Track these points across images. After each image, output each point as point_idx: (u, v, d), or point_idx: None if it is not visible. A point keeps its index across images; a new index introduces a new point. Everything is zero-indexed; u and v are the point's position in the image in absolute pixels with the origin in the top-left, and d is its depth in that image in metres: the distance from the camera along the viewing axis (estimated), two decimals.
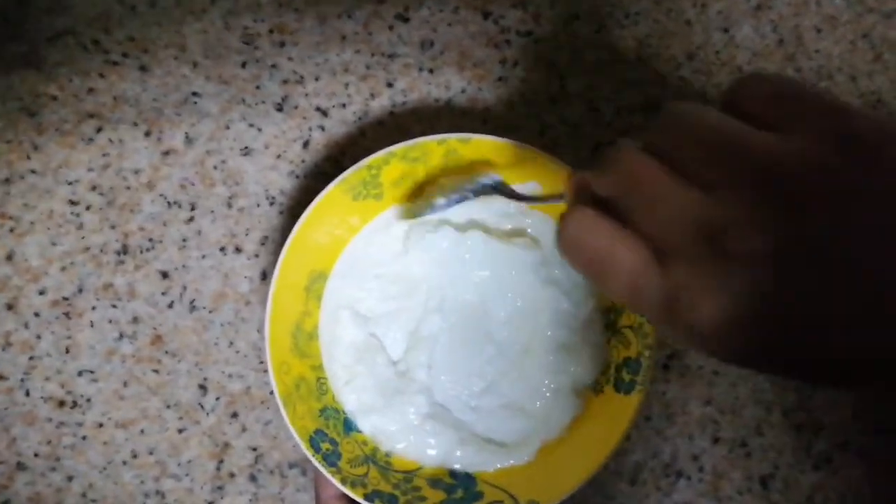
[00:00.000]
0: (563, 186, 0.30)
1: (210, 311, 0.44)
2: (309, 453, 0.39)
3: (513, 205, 0.43)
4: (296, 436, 0.39)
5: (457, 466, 0.42)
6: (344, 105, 0.45)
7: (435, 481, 0.41)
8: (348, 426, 0.42)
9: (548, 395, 0.42)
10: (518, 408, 0.42)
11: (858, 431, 0.44)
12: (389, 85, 0.45)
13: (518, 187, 0.42)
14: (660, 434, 0.44)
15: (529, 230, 0.43)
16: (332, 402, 0.42)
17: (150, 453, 0.43)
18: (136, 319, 0.44)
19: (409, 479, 0.41)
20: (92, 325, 0.44)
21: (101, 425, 0.43)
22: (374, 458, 0.41)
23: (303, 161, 0.45)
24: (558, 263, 0.43)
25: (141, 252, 0.44)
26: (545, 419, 0.42)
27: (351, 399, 0.42)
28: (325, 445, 0.40)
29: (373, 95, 0.45)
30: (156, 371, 0.44)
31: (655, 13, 0.46)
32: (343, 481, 0.39)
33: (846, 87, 0.46)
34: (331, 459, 0.40)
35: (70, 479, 0.43)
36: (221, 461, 0.43)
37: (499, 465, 0.42)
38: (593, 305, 0.43)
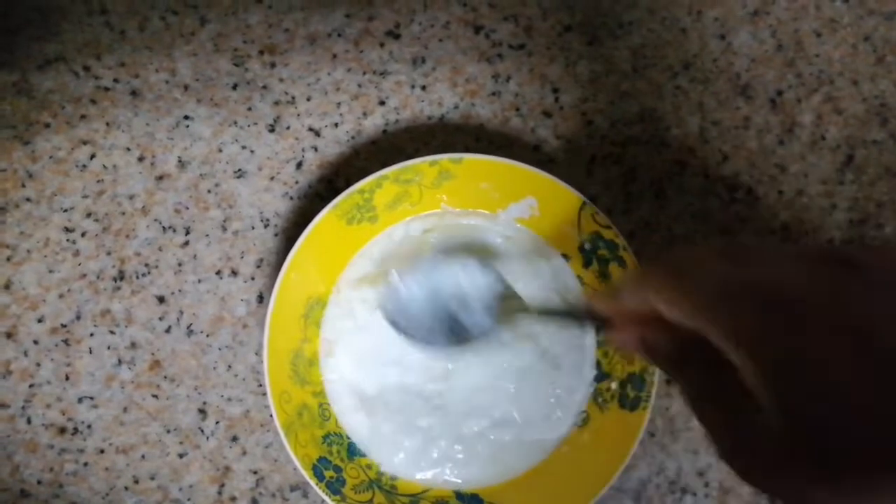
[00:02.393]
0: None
1: (207, 336, 0.44)
2: (312, 482, 0.39)
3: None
4: (299, 465, 0.39)
5: (460, 484, 0.42)
6: (336, 124, 0.45)
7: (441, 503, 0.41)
8: (352, 451, 0.41)
9: (551, 411, 0.42)
10: (521, 424, 0.42)
11: None
12: (382, 103, 0.45)
13: (514, 206, 0.42)
14: (664, 450, 0.44)
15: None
16: (335, 427, 0.41)
17: (152, 478, 0.43)
18: (134, 345, 0.44)
19: (414, 503, 0.41)
20: (91, 352, 0.44)
21: (102, 451, 0.43)
22: (379, 483, 0.41)
23: (296, 182, 0.44)
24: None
25: (137, 277, 0.44)
26: (550, 435, 0.42)
27: (355, 425, 0.42)
28: (328, 473, 0.40)
29: (365, 114, 0.45)
30: (155, 396, 0.44)
31: (649, 22, 0.45)
32: None
33: (848, 92, 0.45)
34: (335, 487, 0.39)
35: None
36: (223, 485, 0.43)
37: (502, 482, 0.42)
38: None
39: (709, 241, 0.44)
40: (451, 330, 0.39)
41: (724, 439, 0.23)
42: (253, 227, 0.44)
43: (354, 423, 0.42)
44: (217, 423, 0.43)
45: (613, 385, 0.42)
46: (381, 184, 0.40)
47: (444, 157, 0.40)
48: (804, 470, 0.19)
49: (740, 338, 0.21)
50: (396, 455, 0.42)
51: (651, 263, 0.26)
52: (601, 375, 0.42)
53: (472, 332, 0.39)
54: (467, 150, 0.45)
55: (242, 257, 0.44)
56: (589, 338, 0.42)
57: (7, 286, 0.44)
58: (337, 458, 0.41)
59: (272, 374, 0.39)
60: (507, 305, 0.39)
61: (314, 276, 0.41)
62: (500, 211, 0.42)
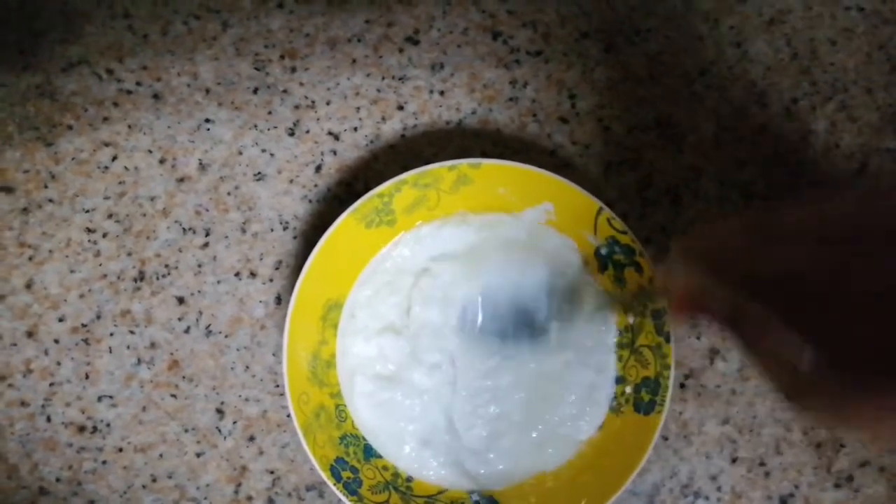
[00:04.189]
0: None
1: (226, 336, 0.44)
2: (330, 483, 0.39)
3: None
4: (317, 466, 0.39)
5: (477, 488, 0.42)
6: (355, 129, 0.45)
7: None
8: (368, 452, 0.42)
9: (568, 414, 0.42)
10: (537, 427, 0.43)
11: (880, 449, 0.44)
12: (400, 108, 0.45)
13: (531, 210, 0.42)
14: (677, 454, 0.44)
15: None
16: (351, 428, 0.42)
17: (170, 477, 0.44)
18: (153, 345, 0.44)
19: None
20: (111, 351, 0.44)
21: (120, 450, 0.44)
22: (395, 484, 0.41)
23: (315, 185, 0.45)
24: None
25: (157, 278, 0.44)
26: (565, 439, 0.42)
27: (370, 424, 0.42)
28: (345, 474, 0.40)
29: (384, 118, 0.45)
30: (174, 396, 0.44)
31: (666, 29, 0.46)
32: None
33: (862, 101, 0.46)
34: (352, 487, 0.40)
35: (91, 503, 0.44)
36: (239, 484, 0.44)
37: (519, 483, 0.42)
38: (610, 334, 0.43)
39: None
40: (526, 324, 0.42)
41: (780, 381, 0.26)
42: (272, 230, 0.45)
43: (372, 423, 0.42)
44: (234, 423, 0.44)
45: (628, 389, 0.42)
46: (399, 188, 0.41)
47: (463, 162, 0.41)
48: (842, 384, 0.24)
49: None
50: (421, 459, 0.42)
51: (680, 249, 0.30)
52: (617, 379, 0.43)
53: (546, 323, 0.42)
54: (484, 155, 0.45)
55: (261, 259, 0.45)
56: (611, 336, 0.43)
57: (29, 286, 0.44)
58: (354, 459, 0.41)
59: (291, 375, 0.40)
60: (580, 293, 0.42)
61: (333, 279, 0.42)
62: (517, 214, 0.43)
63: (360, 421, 0.42)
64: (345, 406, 0.42)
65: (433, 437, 0.42)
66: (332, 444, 0.41)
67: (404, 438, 0.42)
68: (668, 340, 0.41)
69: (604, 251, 0.42)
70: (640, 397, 0.41)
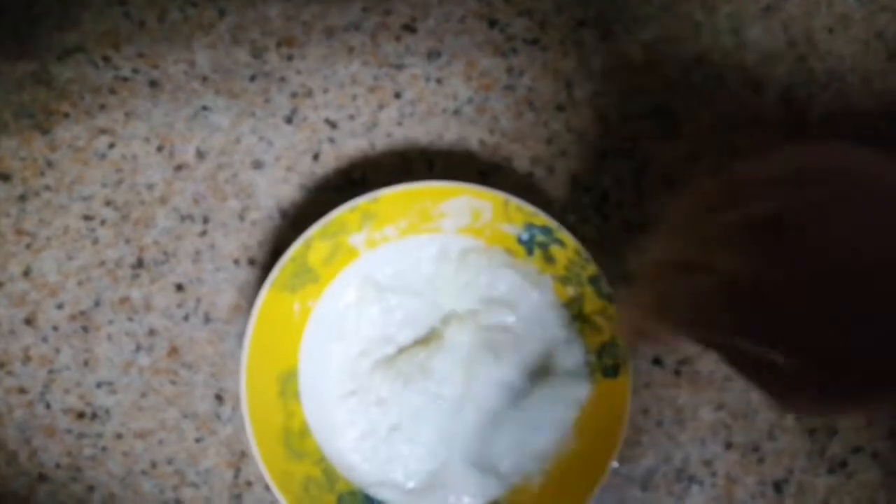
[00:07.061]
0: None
1: (225, 323, 0.45)
2: None
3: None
4: None
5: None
6: (352, 117, 0.45)
7: None
8: (369, 503, 0.42)
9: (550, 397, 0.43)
10: (520, 430, 0.43)
11: (873, 435, 0.44)
12: (397, 96, 0.45)
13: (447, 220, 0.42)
14: (672, 439, 0.44)
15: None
16: (345, 487, 0.42)
17: (169, 463, 0.44)
18: (152, 332, 0.44)
19: None
20: (109, 339, 0.44)
21: (120, 436, 0.44)
22: None
23: (313, 173, 0.45)
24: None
25: (156, 265, 0.45)
26: (545, 431, 0.43)
27: (361, 471, 0.43)
28: None
29: (381, 106, 0.45)
30: (173, 382, 0.44)
31: (663, 17, 0.46)
32: None
33: (859, 89, 0.46)
34: None
35: (91, 489, 0.44)
36: (238, 469, 0.44)
37: (509, 488, 0.43)
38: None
39: None
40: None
41: (768, 391, 0.28)
42: (270, 218, 0.45)
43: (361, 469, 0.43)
44: (233, 408, 0.44)
45: (592, 358, 0.43)
46: (309, 245, 0.40)
47: (361, 201, 0.40)
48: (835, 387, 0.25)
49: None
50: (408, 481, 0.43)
51: (624, 304, 0.33)
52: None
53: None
54: (482, 143, 0.45)
55: (260, 247, 0.45)
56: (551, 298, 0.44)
57: (27, 273, 0.44)
58: None
59: (267, 461, 0.39)
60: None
61: (277, 352, 0.41)
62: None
63: (353, 472, 0.42)
64: (333, 467, 0.42)
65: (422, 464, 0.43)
66: None
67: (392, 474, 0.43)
68: (610, 301, 0.41)
69: (525, 237, 0.42)
70: (605, 363, 0.42)
